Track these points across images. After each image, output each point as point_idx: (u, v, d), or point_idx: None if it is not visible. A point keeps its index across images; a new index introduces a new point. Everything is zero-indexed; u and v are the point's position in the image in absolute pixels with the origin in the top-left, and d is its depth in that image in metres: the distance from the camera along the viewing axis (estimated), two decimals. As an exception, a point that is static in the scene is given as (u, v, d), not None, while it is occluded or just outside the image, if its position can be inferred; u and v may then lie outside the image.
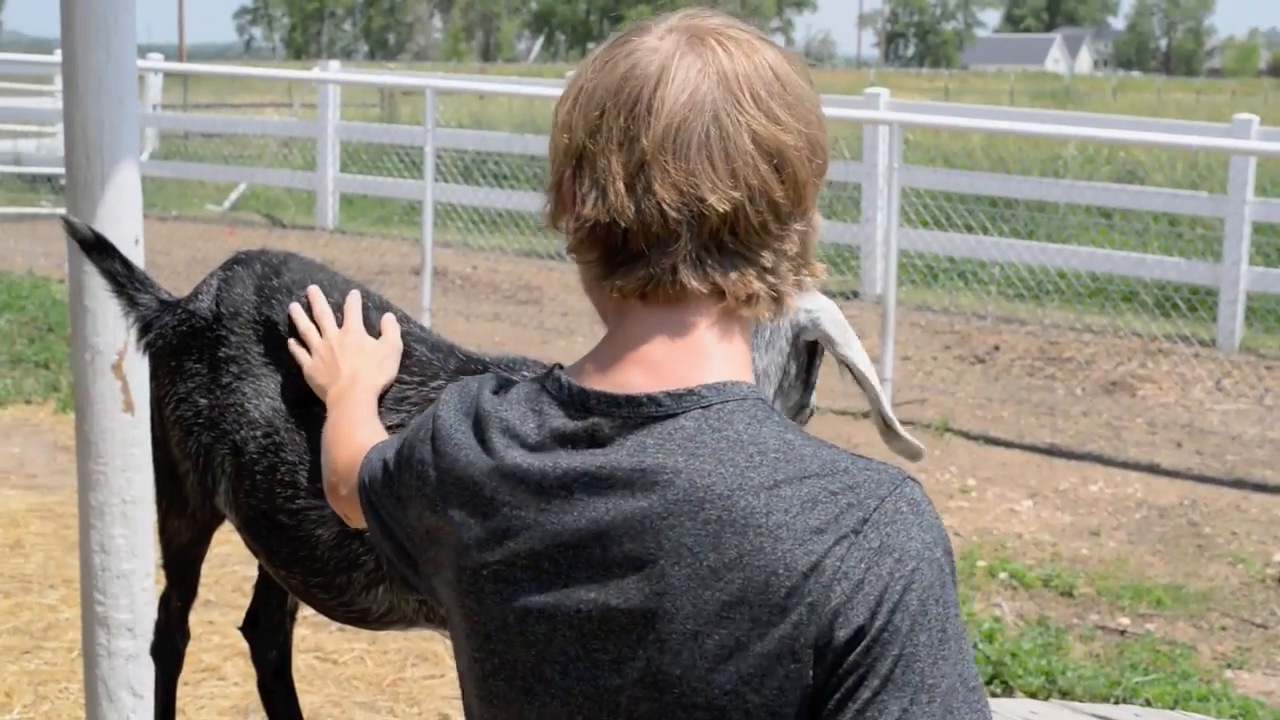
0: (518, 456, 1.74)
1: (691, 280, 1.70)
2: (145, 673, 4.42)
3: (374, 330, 2.91)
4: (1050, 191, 14.27)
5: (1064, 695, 5.86)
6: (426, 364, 2.92)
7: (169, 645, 3.48)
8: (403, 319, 3.00)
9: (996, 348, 12.37)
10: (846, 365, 2.83)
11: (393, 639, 6.06)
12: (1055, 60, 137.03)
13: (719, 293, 1.72)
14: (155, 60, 20.13)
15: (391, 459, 1.92)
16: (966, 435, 9.89)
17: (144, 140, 20.27)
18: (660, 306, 1.74)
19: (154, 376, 3.22)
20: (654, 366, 1.73)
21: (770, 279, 1.73)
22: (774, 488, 1.63)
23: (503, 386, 1.83)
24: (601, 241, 1.73)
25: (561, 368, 1.81)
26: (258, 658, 3.54)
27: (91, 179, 4.21)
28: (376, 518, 1.96)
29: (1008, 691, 5.94)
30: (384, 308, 3.00)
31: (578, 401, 1.74)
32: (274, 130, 21.37)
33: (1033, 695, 5.81)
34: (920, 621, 1.61)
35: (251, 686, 5.54)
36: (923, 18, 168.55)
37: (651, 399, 1.70)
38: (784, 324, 2.75)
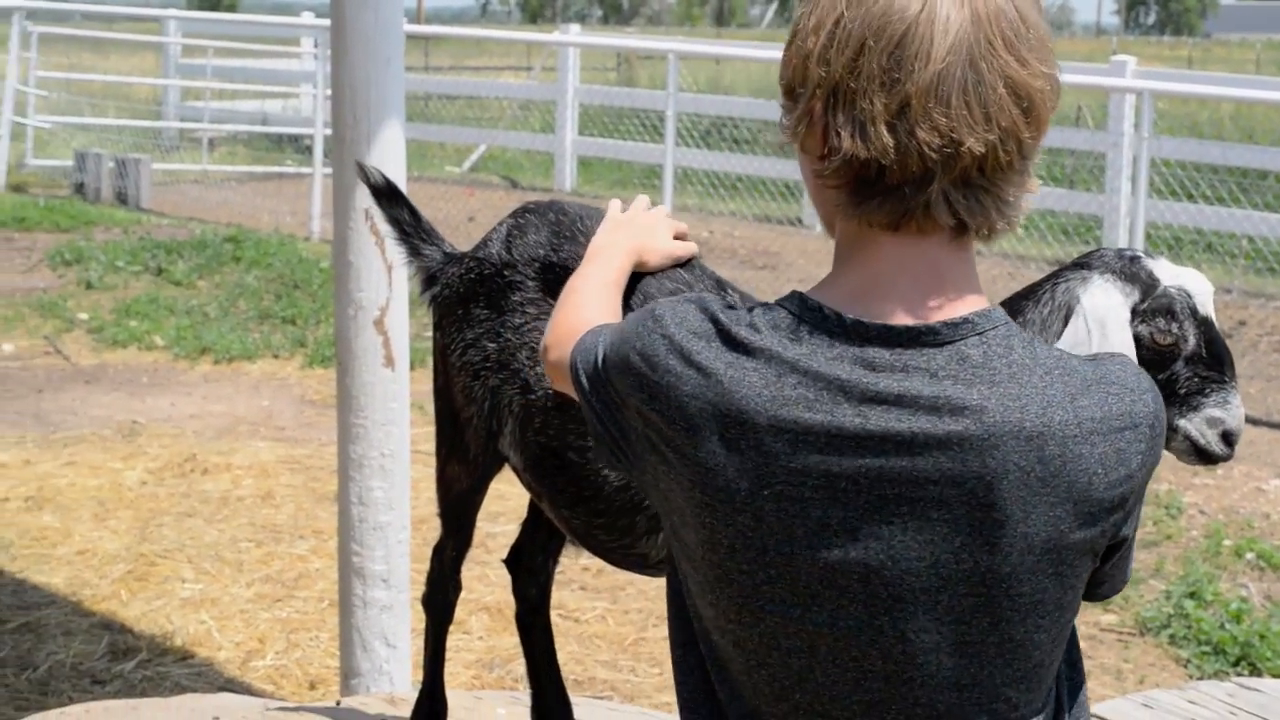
0: (795, 383, 1.80)
1: (942, 215, 1.81)
2: (399, 623, 4.52)
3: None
4: (1308, 163, 13.87)
5: (1313, 680, 5.72)
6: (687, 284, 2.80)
7: (440, 596, 3.53)
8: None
9: (1242, 323, 12.05)
10: None
11: (635, 599, 6.10)
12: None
13: (963, 226, 1.83)
14: (398, 23, 20.38)
15: (606, 356, 1.96)
16: (1212, 411, 9.64)
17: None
18: (908, 237, 1.83)
19: (438, 326, 3.24)
20: (908, 297, 1.83)
21: (1010, 212, 1.85)
22: (1073, 400, 1.80)
23: (729, 311, 1.88)
24: (854, 173, 1.81)
25: (804, 295, 1.88)
26: (519, 593, 3.59)
27: (358, 137, 4.30)
28: (586, 402, 2.01)
29: (1255, 673, 5.80)
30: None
31: (851, 330, 1.81)
32: (514, 93, 21.54)
33: (1281, 678, 5.68)
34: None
35: (495, 641, 5.64)
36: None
37: (930, 329, 1.81)
38: (1061, 309, 2.61)
